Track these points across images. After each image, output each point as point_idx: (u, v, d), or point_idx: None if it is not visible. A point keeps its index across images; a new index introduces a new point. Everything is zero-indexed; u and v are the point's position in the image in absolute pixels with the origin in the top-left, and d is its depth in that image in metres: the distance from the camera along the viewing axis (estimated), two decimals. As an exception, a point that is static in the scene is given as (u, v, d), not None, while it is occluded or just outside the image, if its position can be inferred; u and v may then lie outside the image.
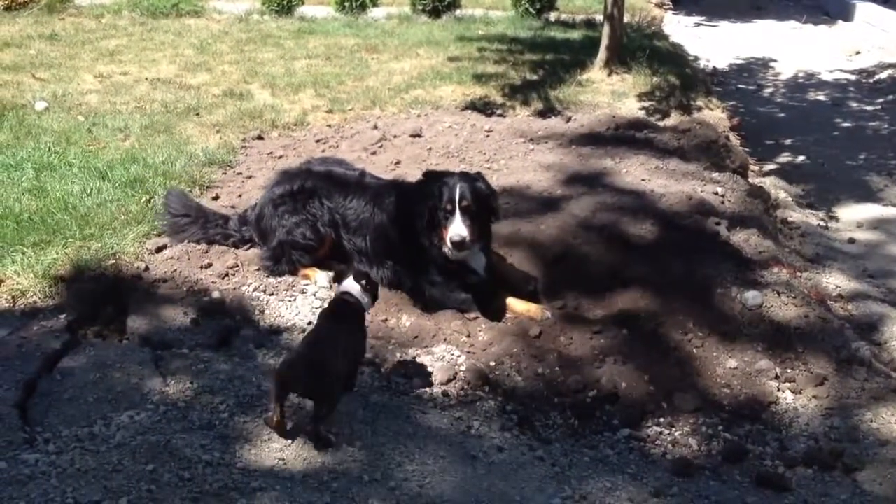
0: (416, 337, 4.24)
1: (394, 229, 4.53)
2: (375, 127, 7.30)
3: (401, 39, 10.91)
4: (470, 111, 7.87)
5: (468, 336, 4.25)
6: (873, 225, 6.76)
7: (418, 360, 4.09)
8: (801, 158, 8.47)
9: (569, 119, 7.57)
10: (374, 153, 6.63)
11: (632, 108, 7.98)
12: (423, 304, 4.48)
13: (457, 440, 3.55)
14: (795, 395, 4.01)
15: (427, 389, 3.93)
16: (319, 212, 4.64)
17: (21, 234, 4.91)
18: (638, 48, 9.65)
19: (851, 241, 6.44)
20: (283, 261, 4.65)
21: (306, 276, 4.63)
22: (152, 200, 5.52)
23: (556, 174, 5.93)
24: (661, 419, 3.88)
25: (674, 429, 3.83)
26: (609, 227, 5.13)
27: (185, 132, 7.16)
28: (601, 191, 5.67)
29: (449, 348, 4.16)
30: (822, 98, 10.72)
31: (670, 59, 9.93)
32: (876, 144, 8.84)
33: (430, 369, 4.02)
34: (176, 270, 4.64)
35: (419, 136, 7.02)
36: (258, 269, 4.67)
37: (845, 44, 13.30)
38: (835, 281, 5.62)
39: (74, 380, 3.67)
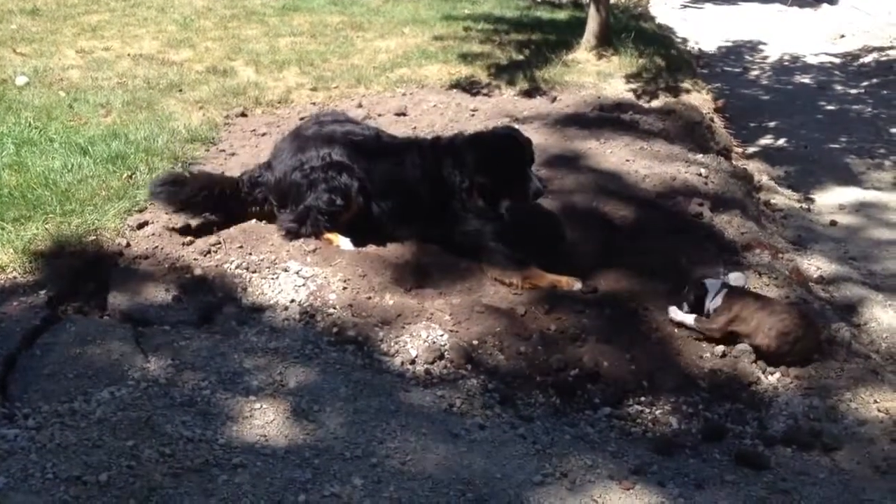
0: (400, 315, 4.23)
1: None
2: (360, 105, 7.26)
3: (386, 18, 10.83)
4: (455, 90, 7.83)
5: (451, 315, 4.25)
6: (855, 208, 6.81)
7: (401, 338, 4.09)
8: (784, 141, 8.51)
9: (554, 99, 7.56)
10: (358, 132, 6.59)
11: (617, 89, 7.97)
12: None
13: (439, 418, 3.56)
14: (775, 375, 4.05)
15: (410, 367, 3.94)
16: (350, 181, 4.69)
17: (1, 209, 4.86)
18: (624, 29, 9.63)
19: (833, 223, 6.49)
20: (308, 223, 4.70)
21: (329, 241, 4.67)
22: (134, 176, 5.47)
23: (541, 154, 5.89)
24: (642, 398, 3.90)
25: (654, 407, 3.85)
26: (592, 208, 5.15)
27: (168, 108, 7.08)
28: (585, 172, 5.68)
29: (432, 327, 4.15)
30: (806, 81, 10.76)
31: (656, 41, 9.92)
32: (859, 128, 8.88)
33: (412, 347, 4.02)
34: (157, 247, 4.61)
35: (404, 114, 7.00)
36: (240, 247, 4.65)
37: (830, 27, 13.34)
38: (816, 263, 5.66)
39: (54, 356, 3.65)
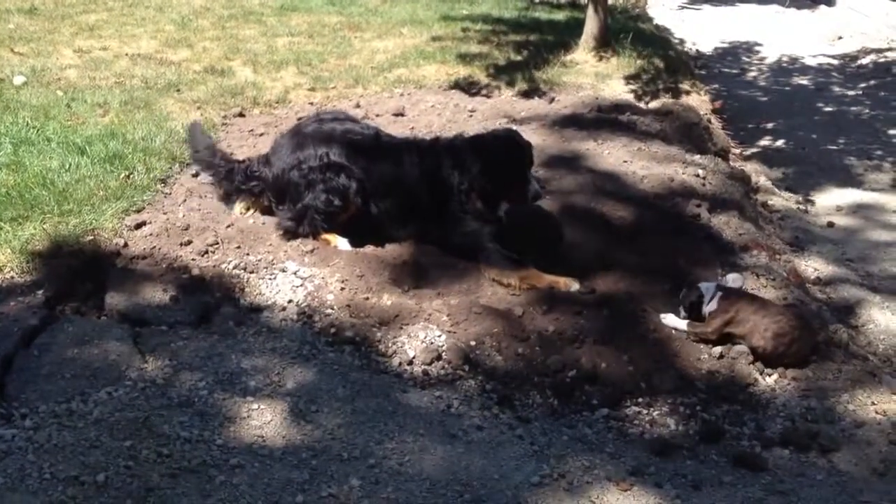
0: (398, 316, 4.23)
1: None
2: (358, 105, 7.25)
3: (384, 18, 10.83)
4: (453, 91, 7.83)
5: (449, 315, 4.24)
6: (852, 209, 6.82)
7: (399, 338, 4.09)
8: (782, 142, 8.52)
9: (552, 100, 7.56)
10: (356, 132, 6.58)
11: (615, 90, 7.97)
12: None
13: (437, 419, 3.56)
14: (773, 376, 4.05)
15: (407, 368, 3.94)
16: (347, 182, 4.68)
17: (-2, 209, 4.85)
18: (622, 30, 9.63)
19: (830, 225, 6.49)
20: (305, 223, 4.71)
21: (326, 242, 4.68)
22: (131, 176, 5.46)
23: (538, 155, 5.87)
24: (640, 399, 3.90)
25: (652, 409, 3.85)
26: (590, 209, 5.15)
27: (166, 108, 7.08)
28: (583, 172, 5.68)
29: (430, 327, 4.15)
30: (804, 82, 10.78)
31: (654, 42, 9.93)
32: (857, 129, 8.90)
33: (410, 348, 4.02)
34: (155, 247, 4.61)
35: (402, 115, 6.99)
36: (238, 247, 4.64)
37: (828, 28, 13.36)
38: (813, 264, 5.67)
39: (52, 356, 3.65)
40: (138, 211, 5.06)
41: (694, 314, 4.22)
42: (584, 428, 3.70)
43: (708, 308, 4.19)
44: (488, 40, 9.67)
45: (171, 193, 5.37)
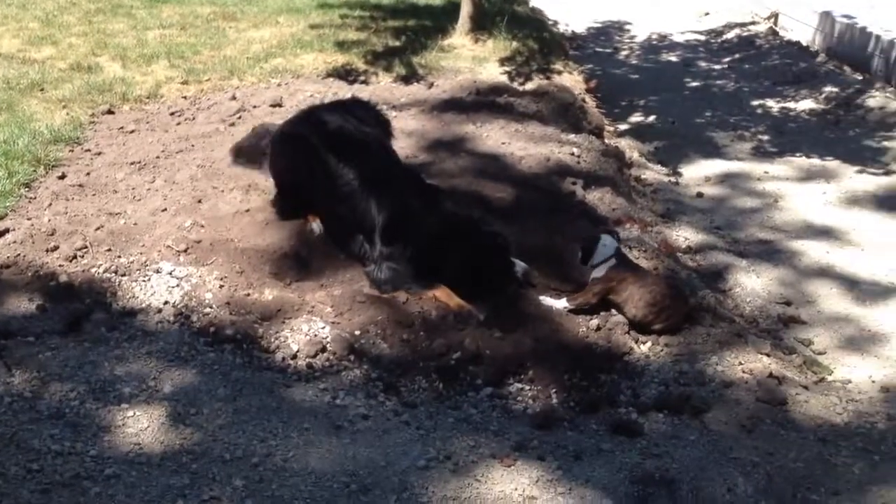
0: (280, 310, 4.18)
1: None
2: (234, 98, 7.11)
3: (260, 7, 10.63)
4: (332, 79, 7.77)
5: (332, 307, 4.22)
6: (720, 179, 7.11)
7: (282, 333, 4.04)
8: (653, 118, 8.80)
9: (431, 85, 7.59)
10: (232, 125, 6.47)
11: (493, 73, 8.07)
12: None
13: (322, 411, 3.54)
14: (647, 344, 4.20)
15: (291, 362, 3.91)
16: None
17: None
18: (498, 13, 9.73)
19: (699, 195, 6.75)
20: None
21: None
22: (-8, 182, 5.21)
23: (419, 140, 5.96)
24: (523, 376, 3.96)
25: (534, 384, 3.93)
26: (471, 192, 5.20)
27: (29, 109, 6.77)
28: (463, 155, 5.74)
29: (313, 320, 4.12)
30: (673, 59, 11.16)
31: (530, 24, 10.08)
32: (722, 102, 9.27)
33: (293, 342, 3.99)
34: (19, 255, 4.41)
35: (280, 105, 6.88)
36: (108, 250, 4.48)
37: (695, 5, 13.79)
38: (683, 234, 5.88)
39: None
40: (1, 218, 4.83)
41: (584, 259, 4.34)
42: (470, 408, 3.75)
43: (596, 273, 4.29)
44: (366, 27, 9.62)
45: (35, 198, 5.16)
